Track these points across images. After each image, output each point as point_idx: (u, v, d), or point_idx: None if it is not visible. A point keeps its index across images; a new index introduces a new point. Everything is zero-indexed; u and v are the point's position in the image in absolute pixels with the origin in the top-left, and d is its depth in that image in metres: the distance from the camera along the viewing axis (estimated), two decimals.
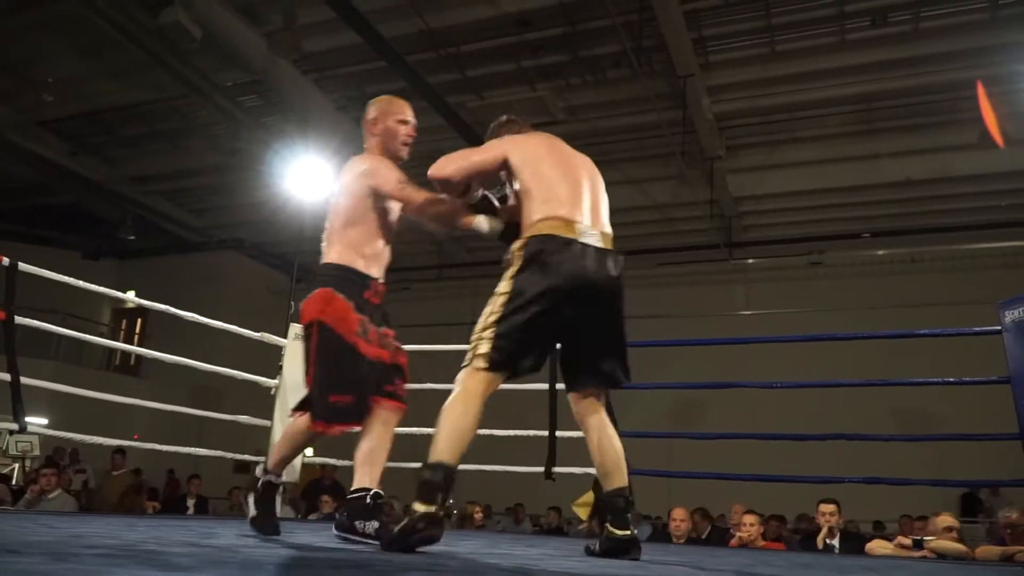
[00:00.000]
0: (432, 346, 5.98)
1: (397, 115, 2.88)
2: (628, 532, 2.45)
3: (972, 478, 7.62)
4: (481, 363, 2.37)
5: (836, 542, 4.93)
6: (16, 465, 8.87)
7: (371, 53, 8.63)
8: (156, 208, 13.52)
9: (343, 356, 2.56)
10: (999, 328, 3.93)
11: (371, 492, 2.55)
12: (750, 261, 12.99)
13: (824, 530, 4.96)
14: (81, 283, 4.31)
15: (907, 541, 4.32)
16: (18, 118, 11.11)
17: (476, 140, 9.75)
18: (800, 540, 5.97)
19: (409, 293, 14.78)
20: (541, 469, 4.86)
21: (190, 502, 8.24)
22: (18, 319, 3.97)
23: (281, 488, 2.90)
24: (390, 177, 2.71)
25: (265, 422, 5.17)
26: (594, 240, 2.43)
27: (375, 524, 2.47)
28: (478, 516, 7.02)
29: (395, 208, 2.81)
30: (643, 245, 12.74)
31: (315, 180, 8.68)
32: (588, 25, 8.58)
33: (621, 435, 4.68)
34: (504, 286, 2.44)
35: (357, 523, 2.50)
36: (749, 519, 5.18)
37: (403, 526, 2.23)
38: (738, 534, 5.22)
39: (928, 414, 9.76)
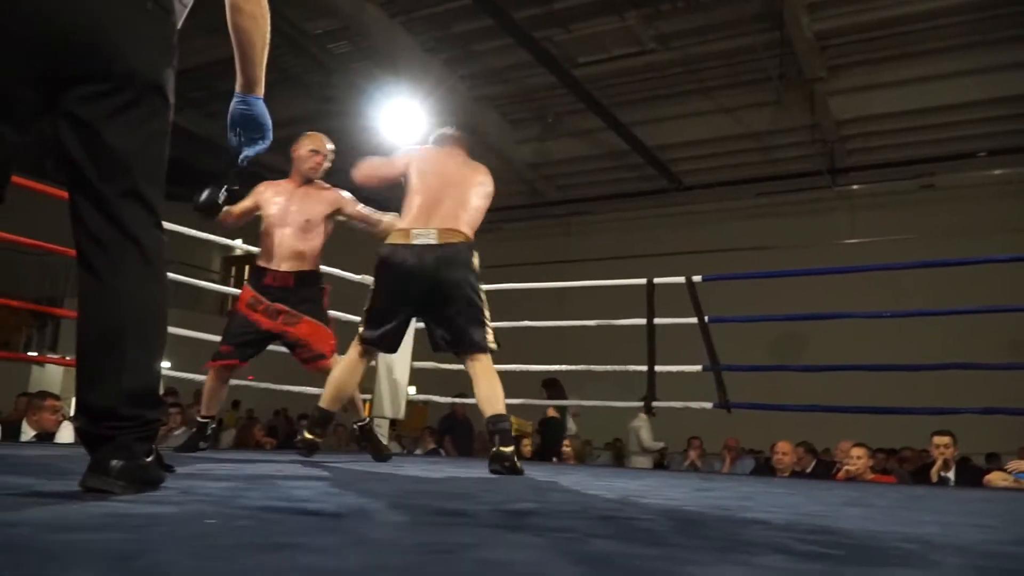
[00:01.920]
0: (526, 284, 6.03)
1: (309, 146, 3.83)
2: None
3: None
4: (358, 340, 3.27)
5: (951, 475, 4.78)
6: None
7: None
8: (255, 159, 13.89)
9: (233, 320, 3.65)
10: None
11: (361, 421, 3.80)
12: (855, 187, 12.43)
13: (939, 462, 4.81)
14: (195, 232, 4.50)
15: None
16: None
17: (565, 75, 9.61)
18: (912, 473, 5.83)
19: (501, 234, 14.83)
20: (641, 404, 4.88)
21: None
22: None
23: (210, 427, 3.71)
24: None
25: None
26: (426, 239, 3.09)
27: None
28: (526, 450, 7.07)
29: (273, 212, 3.70)
30: (739, 175, 12.34)
31: (408, 122, 8.74)
32: None
33: (722, 368, 4.68)
34: (372, 283, 3.29)
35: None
36: (857, 452, 5.06)
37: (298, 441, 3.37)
38: (845, 467, 5.12)
39: None
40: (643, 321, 4.84)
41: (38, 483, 1.62)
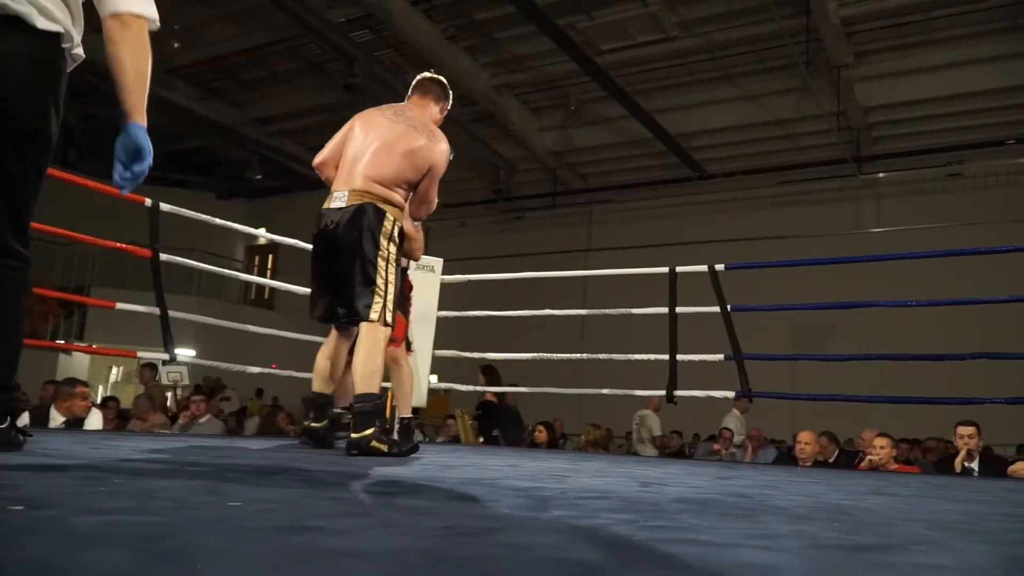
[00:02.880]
0: (549, 273, 6.03)
1: None
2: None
3: None
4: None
5: (975, 465, 4.73)
6: (169, 393, 9.55)
7: None
8: (279, 148, 13.97)
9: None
10: None
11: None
12: (881, 175, 12.27)
13: (962, 453, 4.76)
14: (218, 221, 4.54)
15: None
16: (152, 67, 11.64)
17: (587, 62, 9.55)
18: (935, 464, 5.77)
19: (524, 222, 14.82)
20: (662, 393, 4.86)
21: None
22: (163, 256, 4.25)
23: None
24: None
25: None
26: (339, 202, 3.00)
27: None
28: (540, 437, 7.08)
29: None
30: (763, 163, 12.24)
31: None
32: None
33: (745, 357, 4.64)
34: None
35: None
36: (880, 442, 5.01)
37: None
38: (868, 457, 5.08)
39: None
40: (665, 310, 4.82)
41: (64, 469, 1.65)
